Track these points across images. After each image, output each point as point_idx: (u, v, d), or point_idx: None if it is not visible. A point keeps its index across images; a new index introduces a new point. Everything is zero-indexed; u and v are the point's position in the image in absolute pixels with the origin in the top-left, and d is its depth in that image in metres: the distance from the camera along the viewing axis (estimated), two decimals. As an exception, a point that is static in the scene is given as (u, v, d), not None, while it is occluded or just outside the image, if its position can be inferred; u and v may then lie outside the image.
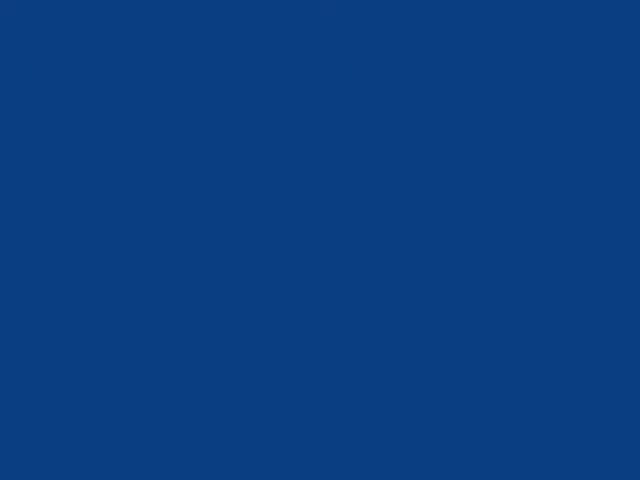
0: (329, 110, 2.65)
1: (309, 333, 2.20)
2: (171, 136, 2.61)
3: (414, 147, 2.70)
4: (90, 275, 2.37)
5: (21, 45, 2.71)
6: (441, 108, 2.74)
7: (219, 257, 2.46)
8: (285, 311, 2.28)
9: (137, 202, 2.64)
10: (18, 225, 2.50)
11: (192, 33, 2.69)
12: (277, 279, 2.38)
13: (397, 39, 2.76)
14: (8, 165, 2.63)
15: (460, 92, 2.76)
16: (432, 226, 2.57)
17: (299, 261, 2.44)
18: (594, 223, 2.56)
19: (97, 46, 2.71)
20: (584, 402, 1.91)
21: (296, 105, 2.66)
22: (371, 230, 2.55)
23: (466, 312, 2.23)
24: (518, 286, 2.32)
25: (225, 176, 2.59)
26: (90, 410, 1.91)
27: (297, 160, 2.59)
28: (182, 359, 2.13)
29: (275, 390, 2.03)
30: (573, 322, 2.17)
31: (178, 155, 2.60)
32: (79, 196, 2.66)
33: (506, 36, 2.83)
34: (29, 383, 1.98)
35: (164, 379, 2.05)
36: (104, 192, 2.65)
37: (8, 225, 2.47)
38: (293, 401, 2.03)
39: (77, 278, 2.37)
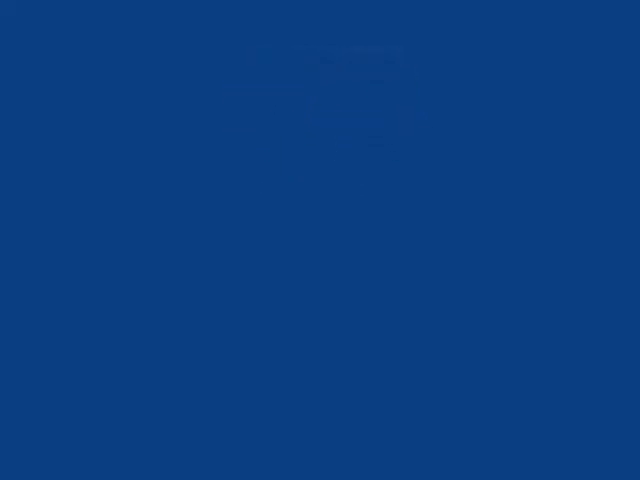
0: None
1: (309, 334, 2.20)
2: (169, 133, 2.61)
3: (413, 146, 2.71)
4: (90, 275, 2.38)
5: (21, 45, 2.72)
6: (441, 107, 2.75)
7: (218, 258, 2.47)
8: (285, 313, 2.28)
9: (137, 202, 2.64)
10: (18, 225, 2.51)
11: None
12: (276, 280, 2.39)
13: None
14: (8, 165, 2.63)
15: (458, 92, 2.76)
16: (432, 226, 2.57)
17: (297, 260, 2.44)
18: (594, 223, 2.56)
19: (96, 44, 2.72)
20: (584, 402, 1.92)
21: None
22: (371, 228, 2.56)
23: (466, 312, 2.23)
24: (518, 287, 2.32)
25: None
26: (90, 410, 1.92)
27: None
28: (182, 359, 2.12)
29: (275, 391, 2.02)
30: (573, 322, 2.18)
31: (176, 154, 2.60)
32: (79, 196, 2.66)
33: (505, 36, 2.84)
34: (29, 383, 1.98)
35: (165, 379, 2.05)
36: (104, 192, 2.65)
37: (8, 225, 2.48)
38: (293, 401, 2.03)
39: (77, 278, 2.37)
